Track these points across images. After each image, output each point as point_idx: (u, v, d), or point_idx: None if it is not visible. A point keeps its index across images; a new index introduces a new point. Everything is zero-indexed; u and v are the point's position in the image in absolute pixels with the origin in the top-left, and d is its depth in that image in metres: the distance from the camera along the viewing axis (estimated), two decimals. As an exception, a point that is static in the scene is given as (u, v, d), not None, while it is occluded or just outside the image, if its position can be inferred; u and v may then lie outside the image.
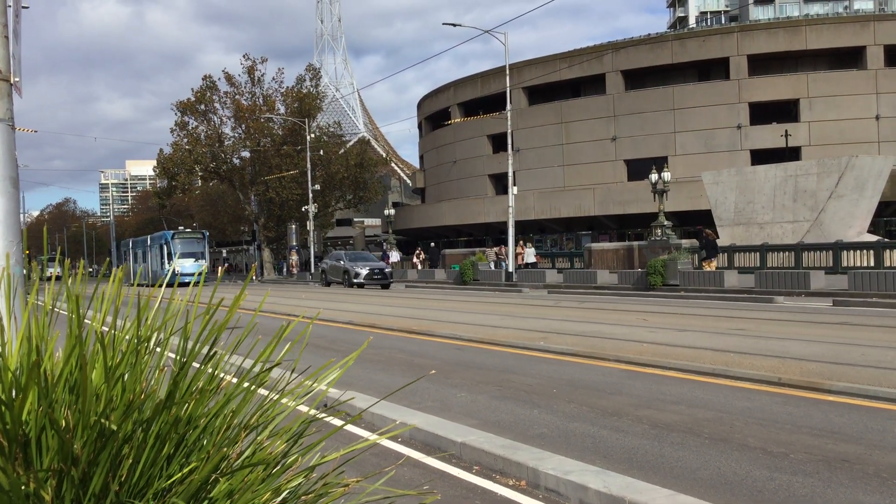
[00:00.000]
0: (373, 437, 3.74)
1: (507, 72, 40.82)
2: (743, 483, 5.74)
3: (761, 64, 56.38)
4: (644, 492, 5.22)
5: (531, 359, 12.46)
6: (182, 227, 66.88)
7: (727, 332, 14.84)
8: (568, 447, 6.83)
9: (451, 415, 8.10)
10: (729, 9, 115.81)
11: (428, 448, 6.99)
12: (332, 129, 71.48)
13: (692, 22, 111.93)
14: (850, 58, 55.61)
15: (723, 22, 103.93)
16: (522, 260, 43.38)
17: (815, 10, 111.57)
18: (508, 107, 40.79)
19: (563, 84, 62.72)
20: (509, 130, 40.42)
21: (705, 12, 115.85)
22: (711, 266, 29.97)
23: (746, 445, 6.73)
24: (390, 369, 11.95)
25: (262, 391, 2.25)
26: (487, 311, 21.97)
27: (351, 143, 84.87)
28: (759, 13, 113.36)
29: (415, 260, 52.72)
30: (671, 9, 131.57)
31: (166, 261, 54.89)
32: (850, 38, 55.36)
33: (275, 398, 2.20)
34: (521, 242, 48.84)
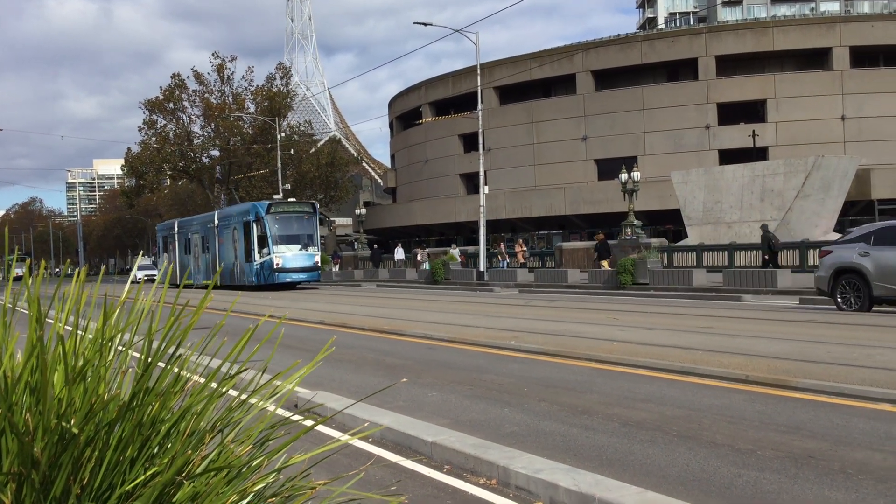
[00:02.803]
0: (343, 437, 3.71)
1: (479, 71, 40.87)
2: (711, 480, 5.79)
3: (729, 65, 56.92)
4: (614, 489, 5.24)
5: (502, 358, 12.48)
6: (278, 197, 48.46)
7: (696, 331, 14.97)
8: (539, 445, 6.85)
9: (423, 414, 8.09)
10: (697, 10, 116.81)
11: (399, 448, 6.97)
12: (302, 128, 71.21)
13: (661, 23, 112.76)
14: (817, 59, 56.31)
15: (691, 23, 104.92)
16: (524, 258, 43.87)
17: (783, 11, 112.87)
18: (479, 106, 40.84)
19: (533, 84, 62.90)
20: (480, 130, 40.46)
21: (674, 13, 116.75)
22: (605, 265, 32.56)
23: (715, 442, 6.78)
24: (361, 369, 11.92)
25: (230, 392, 2.23)
26: (459, 311, 21.97)
27: (322, 143, 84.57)
28: (726, 14, 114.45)
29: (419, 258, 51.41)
30: (640, 9, 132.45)
31: (256, 249, 37.66)
32: (817, 40, 56.06)
33: (242, 399, 2.18)
34: (521, 241, 48.89)
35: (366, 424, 7.20)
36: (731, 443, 6.74)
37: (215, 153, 68.29)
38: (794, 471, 5.88)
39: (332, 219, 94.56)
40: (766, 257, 27.77)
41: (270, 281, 36.99)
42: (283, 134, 62.95)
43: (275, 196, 53.57)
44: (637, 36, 65.77)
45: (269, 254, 37.30)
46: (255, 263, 37.68)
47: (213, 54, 74.39)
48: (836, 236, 34.75)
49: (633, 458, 6.44)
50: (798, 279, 25.69)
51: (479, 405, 8.84)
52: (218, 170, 68.07)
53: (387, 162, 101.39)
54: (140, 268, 71.38)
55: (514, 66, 62.56)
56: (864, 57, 56.09)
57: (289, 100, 67.55)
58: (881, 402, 7.99)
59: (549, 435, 7.31)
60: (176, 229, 50.66)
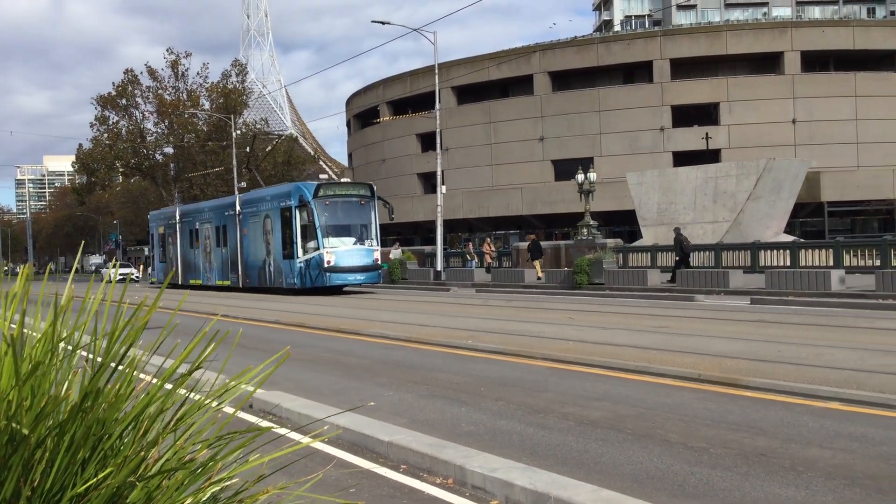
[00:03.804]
0: (302, 439, 3.67)
1: (437, 71, 40.86)
2: (664, 477, 5.86)
3: (683, 68, 57.66)
4: (569, 487, 5.28)
5: (459, 357, 12.50)
6: (326, 177, 38.68)
7: (650, 330, 15.14)
8: (495, 445, 6.87)
9: (380, 414, 8.07)
10: (652, 13, 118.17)
11: (355, 448, 6.94)
12: (258, 126, 70.55)
13: (617, 25, 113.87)
14: (769, 63, 57.29)
15: (646, 26, 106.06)
16: (491, 258, 43.47)
17: (736, 15, 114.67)
18: (437, 106, 40.85)
19: (491, 84, 63.09)
20: (438, 129, 40.47)
21: (630, 16, 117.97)
22: (537, 266, 33.28)
23: (668, 440, 6.87)
24: (318, 368, 11.85)
25: (184, 392, 2.20)
26: (416, 310, 21.95)
27: (278, 141, 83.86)
28: (681, 18, 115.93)
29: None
30: (597, 12, 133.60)
31: (299, 242, 30.20)
32: (769, 44, 57.05)
33: (197, 400, 2.15)
34: (489, 240, 48.88)
35: (325, 428, 7.16)
36: (684, 441, 6.83)
37: (169, 150, 67.40)
38: (745, 468, 5.98)
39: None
40: (678, 258, 28.58)
41: (319, 283, 29.85)
42: (238, 131, 62.35)
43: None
44: (594, 38, 66.36)
45: (317, 249, 29.51)
46: (297, 261, 30.24)
47: (167, 50, 73.36)
48: (786, 238, 35.42)
49: (588, 456, 6.50)
50: (749, 279, 26.12)
51: (435, 404, 8.85)
52: (172, 167, 67.15)
53: (344, 161, 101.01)
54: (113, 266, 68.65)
55: (472, 66, 62.70)
56: (814, 61, 57.21)
57: (244, 97, 66.94)
58: (830, 400, 8.16)
59: (505, 434, 7.34)
60: (177, 218, 42.50)
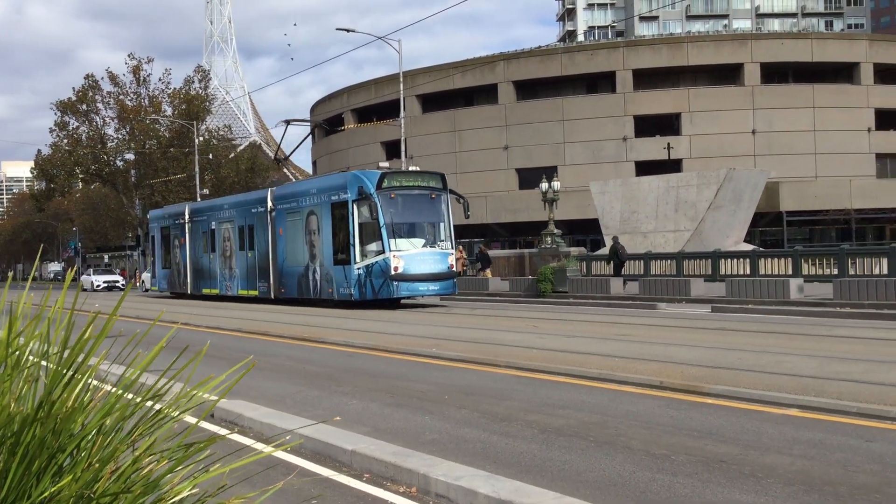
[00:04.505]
0: (264, 448, 3.63)
1: (401, 79, 40.90)
2: (627, 484, 5.90)
3: (646, 78, 58.29)
4: (532, 495, 5.29)
5: (424, 365, 12.48)
6: (387, 166, 31.53)
7: (613, 338, 15.24)
8: (459, 453, 6.86)
9: (343, 423, 8.02)
10: (615, 24, 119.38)
11: (318, 457, 6.89)
12: (221, 133, 70.02)
13: (580, 36, 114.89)
14: (729, 74, 58.12)
15: (609, 37, 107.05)
16: (463, 265, 43.12)
17: (697, 27, 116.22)
18: (402, 114, 40.89)
19: (456, 92, 63.26)
20: (403, 137, 40.50)
21: (593, 27, 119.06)
22: (487, 275, 33.67)
23: (630, 448, 6.91)
24: (281, 377, 11.76)
25: (148, 403, 2.17)
26: (379, 318, 21.89)
27: (242, 147, 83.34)
28: (643, 29, 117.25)
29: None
30: (561, 22, 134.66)
31: (358, 244, 25.06)
32: (729, 56, 57.89)
33: (157, 409, 2.12)
34: (461, 248, 48.60)
35: (287, 438, 7.10)
36: (646, 448, 6.87)
37: (130, 156, 66.60)
38: (706, 475, 6.04)
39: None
40: (615, 266, 29.15)
41: (384, 294, 24.67)
42: (201, 138, 61.81)
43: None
44: (557, 48, 66.88)
45: (381, 252, 24.42)
46: (354, 267, 24.95)
47: (128, 55, 72.59)
48: (746, 247, 35.91)
49: (551, 463, 6.51)
50: (710, 288, 26.43)
51: (399, 413, 8.82)
52: (133, 174, 66.33)
53: (309, 168, 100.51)
54: (98, 272, 65.66)
55: (436, 74, 62.85)
56: (773, 73, 58.17)
57: (207, 103, 66.36)
58: (789, 407, 8.27)
59: (469, 442, 7.34)
60: (187, 217, 36.96)
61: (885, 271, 23.97)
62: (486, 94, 62.43)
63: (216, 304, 31.36)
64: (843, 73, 58.45)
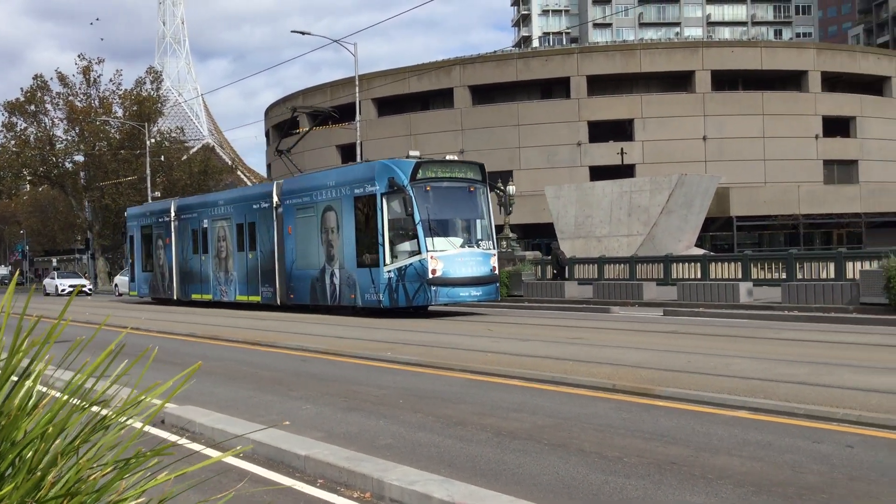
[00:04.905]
0: (215, 454, 3.58)
1: (357, 82, 40.79)
2: (580, 487, 5.93)
3: (599, 84, 58.88)
4: (486, 499, 5.29)
5: (378, 370, 12.44)
6: (417, 154, 24.20)
7: (567, 342, 15.34)
8: (414, 457, 6.85)
9: (297, 428, 7.95)
10: (570, 30, 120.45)
11: (271, 462, 6.83)
12: (174, 135, 69.08)
13: (536, 42, 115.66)
14: (681, 81, 58.96)
15: (564, 43, 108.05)
16: None
17: (650, 34, 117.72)
18: (358, 117, 40.77)
19: (412, 96, 63.27)
20: (358, 141, 40.41)
21: (548, 33, 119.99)
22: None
23: (583, 450, 6.96)
24: (233, 382, 11.63)
25: (94, 409, 2.12)
26: (334, 322, 21.77)
27: (195, 150, 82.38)
28: (597, 36, 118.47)
29: None
30: (516, 28, 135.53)
31: (387, 244, 22.18)
32: (681, 63, 58.75)
33: (104, 415, 2.08)
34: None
35: (239, 443, 7.02)
36: (599, 450, 6.93)
37: (80, 158, 65.39)
38: (658, 477, 6.10)
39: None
40: (556, 271, 29.43)
41: (420, 301, 21.99)
42: (153, 140, 60.95)
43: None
44: (513, 53, 67.29)
45: (417, 252, 21.64)
46: (383, 270, 22.05)
47: (79, 56, 71.40)
48: (698, 251, 36.44)
49: (505, 467, 6.53)
50: (663, 291, 26.74)
51: (353, 417, 8.78)
52: (82, 176, 65.11)
53: (263, 171, 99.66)
54: (63, 275, 61.01)
55: (392, 77, 62.78)
56: (724, 80, 59.15)
57: (159, 105, 65.44)
58: (739, 409, 8.39)
59: (423, 446, 7.32)
60: (173, 214, 33.58)
61: (832, 275, 24.49)
62: (443, 98, 62.55)
63: (209, 311, 28.88)
64: (791, 80, 59.68)
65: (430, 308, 23.82)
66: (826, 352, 12.97)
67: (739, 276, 27.35)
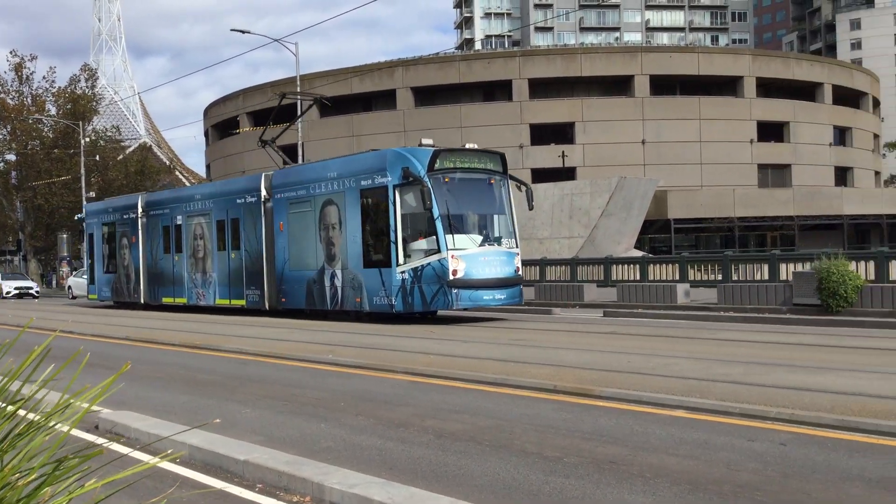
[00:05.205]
0: (150, 459, 3.51)
1: (298, 82, 40.46)
2: (521, 487, 5.96)
3: (541, 88, 59.42)
4: (426, 501, 5.28)
5: (319, 372, 12.34)
6: (430, 142, 21.22)
7: (509, 343, 15.42)
8: (355, 460, 6.80)
9: (235, 432, 7.84)
10: (512, 34, 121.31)
11: (209, 468, 6.71)
12: (109, 134, 67.68)
13: (478, 44, 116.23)
14: (621, 85, 59.82)
15: (506, 46, 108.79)
16: None
17: (590, 39, 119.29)
18: (300, 118, 40.38)
19: (355, 97, 63.00)
20: (300, 142, 40.07)
21: (490, 35, 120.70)
22: None
23: (524, 451, 6.99)
24: (170, 386, 11.42)
25: (14, 410, 2.05)
26: (274, 325, 21.54)
27: (131, 149, 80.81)
28: (539, 39, 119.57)
29: None
30: (459, 30, 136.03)
31: (400, 242, 20.17)
32: (621, 68, 59.63)
33: (31, 420, 2.01)
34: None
35: (175, 448, 6.89)
36: (539, 451, 6.97)
37: (11, 157, 63.63)
38: (597, 476, 6.16)
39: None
40: None
41: (439, 306, 20.03)
42: (87, 139, 59.58)
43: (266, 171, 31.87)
44: (455, 56, 67.53)
45: (436, 251, 19.64)
46: (396, 271, 20.06)
47: (10, 52, 69.45)
48: (637, 253, 37.00)
49: (447, 469, 6.53)
50: (602, 293, 27.07)
51: (294, 421, 8.69)
52: (13, 175, 63.35)
53: (202, 172, 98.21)
54: (8, 276, 55.41)
55: (334, 78, 62.39)
56: (662, 85, 60.20)
57: (94, 103, 64.03)
58: (676, 408, 8.53)
59: (365, 449, 7.28)
60: (140, 210, 31.02)
61: (766, 277, 25.09)
62: (385, 99, 62.43)
63: (185, 316, 26.34)
64: (727, 86, 61.00)
65: (440, 314, 21.95)
66: (760, 352, 13.26)
67: (677, 277, 27.85)
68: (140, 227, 31.02)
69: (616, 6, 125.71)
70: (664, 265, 30.06)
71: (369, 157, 21.96)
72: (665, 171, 53.68)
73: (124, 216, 32.29)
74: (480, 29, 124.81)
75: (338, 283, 22.04)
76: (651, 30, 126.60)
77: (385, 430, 8.06)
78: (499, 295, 20.42)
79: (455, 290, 19.49)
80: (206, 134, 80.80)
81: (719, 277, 26.83)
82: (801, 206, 56.48)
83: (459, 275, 19.46)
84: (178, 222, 29.01)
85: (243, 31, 37.65)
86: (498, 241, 20.98)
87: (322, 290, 22.54)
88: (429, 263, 19.70)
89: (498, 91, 60.57)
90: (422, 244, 20.00)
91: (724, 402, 8.51)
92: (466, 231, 20.42)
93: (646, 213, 38.77)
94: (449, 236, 19.55)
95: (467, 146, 21.81)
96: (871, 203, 59.55)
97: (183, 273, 28.69)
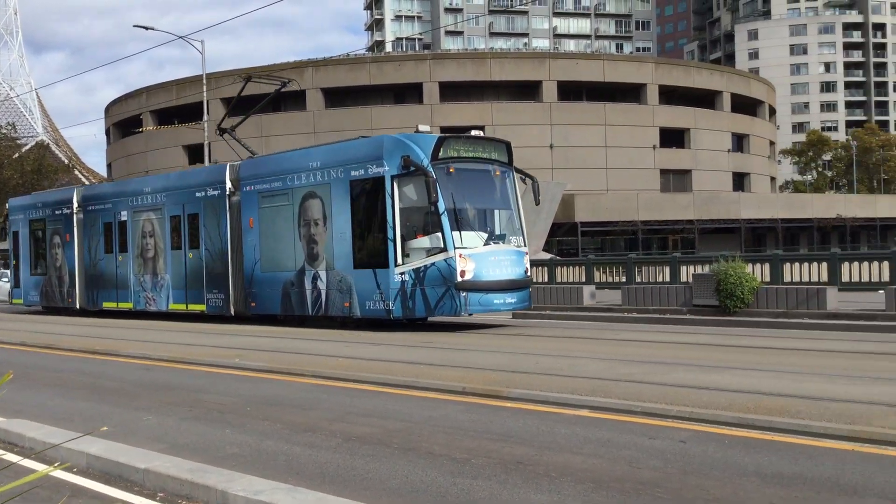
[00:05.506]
0: (42, 469, 3.39)
1: (205, 81, 39.63)
2: (428, 489, 5.98)
3: (451, 91, 59.77)
4: (335, 506, 5.25)
5: (226, 377, 12.12)
6: (427, 129, 20.38)
7: (419, 345, 15.45)
8: (261, 466, 6.71)
9: (137, 440, 7.63)
10: (422, 36, 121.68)
11: (108, 477, 6.51)
12: (4, 131, 64.97)
13: (389, 46, 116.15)
14: (529, 90, 60.66)
15: (416, 49, 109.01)
16: None
17: (500, 44, 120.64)
18: (206, 117, 39.58)
19: (263, 97, 61.91)
20: (206, 142, 39.23)
21: (401, 38, 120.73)
22: None
23: (433, 453, 7.02)
24: (70, 393, 11.03)
25: None
26: (180, 329, 21.04)
27: (27, 147, 77.73)
28: (449, 43, 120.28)
29: None
30: (369, 32, 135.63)
31: (397, 239, 18.09)
32: (529, 73, 60.50)
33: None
34: None
35: (71, 458, 6.65)
36: (448, 453, 7.01)
37: None
38: (503, 476, 6.23)
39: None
40: None
41: (445, 311, 18.07)
42: (-20, 136, 57.04)
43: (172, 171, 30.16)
44: (366, 58, 67.28)
45: (441, 250, 17.70)
46: (395, 272, 18.10)
47: None
48: (545, 255, 37.59)
49: (355, 472, 6.50)
50: (512, 295, 27.35)
51: (198, 427, 8.51)
52: None
53: (103, 171, 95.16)
54: None
55: (242, 77, 61.40)
56: (569, 91, 61.34)
57: (-12, 99, 61.37)
58: (581, 408, 8.70)
59: (271, 455, 7.19)
60: (76, 205, 28.05)
61: (668, 279, 25.83)
62: (295, 99, 61.70)
63: (135, 323, 23.81)
64: (631, 93, 62.59)
65: (430, 320, 20.00)
66: (662, 352, 13.65)
67: (584, 279, 28.37)
68: (76, 224, 28.01)
69: (525, 12, 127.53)
70: (571, 267, 30.58)
71: (361, 145, 19.80)
72: (572, 175, 54.66)
73: (56, 212, 28.97)
74: (391, 31, 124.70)
75: (321, 285, 19.90)
76: (559, 36, 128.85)
77: (292, 434, 7.97)
78: (510, 299, 18.57)
79: (463, 294, 17.55)
80: (107, 132, 78.32)
81: (623, 279, 27.45)
82: (701, 210, 58.36)
83: (468, 276, 17.54)
84: (123, 218, 26.23)
85: (147, 28, 36.65)
86: (505, 238, 18.99)
87: (301, 294, 20.37)
88: (433, 263, 17.71)
89: (409, 93, 60.66)
90: (423, 242, 17.98)
91: (627, 401, 8.72)
92: (473, 227, 18.42)
93: (554, 216, 39.43)
94: (456, 233, 17.62)
95: (473, 133, 19.86)
96: (766, 207, 62.06)
97: (128, 275, 26.02)
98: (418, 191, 17.89)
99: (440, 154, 17.95)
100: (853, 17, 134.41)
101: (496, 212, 19.26)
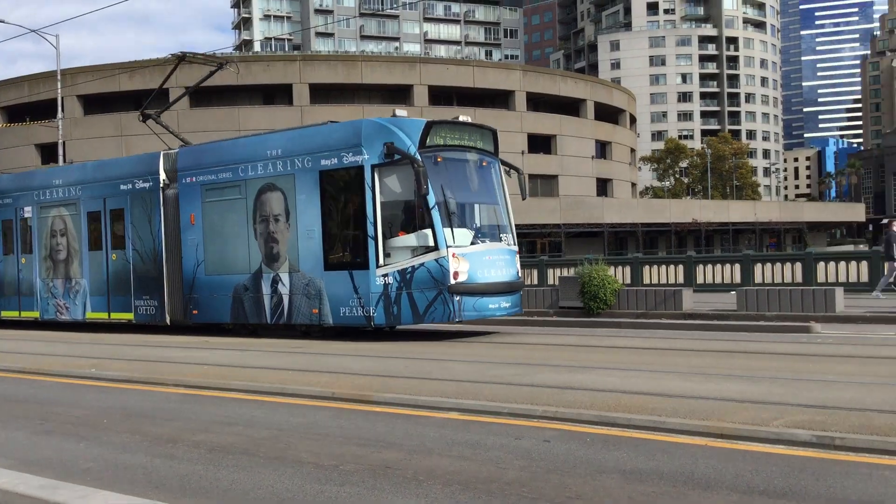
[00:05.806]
0: None
1: (59, 76, 37.76)
2: (295, 498, 5.88)
3: (322, 93, 59.30)
4: (196, 520, 5.07)
5: (80, 388, 11.56)
6: (405, 114, 17.61)
7: (288, 351, 15.19)
8: (118, 480, 6.42)
9: (-20, 457, 7.15)
10: (292, 37, 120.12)
11: (-53, 499, 6.07)
12: None
13: (257, 46, 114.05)
14: (401, 94, 60.94)
15: (286, 49, 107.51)
16: None
17: (371, 47, 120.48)
18: (60, 115, 37.72)
19: (123, 95, 59.72)
20: (61, 140, 37.38)
21: (270, 38, 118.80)
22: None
23: (301, 461, 6.91)
24: None
25: None
26: (33, 338, 19.94)
27: None
28: (320, 45, 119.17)
29: None
30: (237, 31, 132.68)
31: (379, 237, 15.87)
32: (401, 77, 60.75)
33: None
34: None
35: None
36: (316, 460, 6.91)
37: None
38: (372, 482, 6.19)
39: None
40: None
41: (436, 318, 15.94)
42: None
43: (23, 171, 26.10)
44: (233, 57, 65.66)
45: (432, 248, 15.62)
46: (376, 274, 16.01)
47: None
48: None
49: (218, 484, 6.31)
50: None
51: (50, 441, 8.07)
52: None
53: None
54: None
55: (101, 74, 58.87)
56: (440, 95, 61.99)
57: None
58: (450, 410, 8.76)
59: (130, 468, 6.89)
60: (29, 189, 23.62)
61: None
62: (156, 98, 59.59)
63: (47, 334, 21.12)
64: (500, 98, 63.85)
65: (399, 328, 17.89)
66: (529, 353, 13.93)
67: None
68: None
69: (396, 17, 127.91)
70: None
71: (333, 131, 17.55)
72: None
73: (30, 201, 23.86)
74: (259, 31, 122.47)
75: (283, 289, 17.54)
76: (429, 41, 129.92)
77: (152, 446, 7.67)
78: (504, 303, 16.65)
79: (457, 298, 15.56)
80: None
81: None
82: (567, 214, 60.13)
83: (461, 278, 15.56)
84: (26, 215, 23.08)
85: (-4, 19, 34.56)
86: (496, 236, 17.14)
87: (257, 300, 17.98)
88: (422, 264, 15.68)
89: (278, 95, 59.76)
90: (409, 240, 15.89)
91: (495, 403, 8.84)
92: (464, 224, 16.49)
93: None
94: (447, 230, 15.60)
95: (461, 118, 17.72)
96: (628, 212, 64.56)
97: (33, 280, 22.83)
98: (403, 182, 15.94)
99: (427, 141, 16.04)
100: (708, 30, 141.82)
101: (486, 206, 17.45)
